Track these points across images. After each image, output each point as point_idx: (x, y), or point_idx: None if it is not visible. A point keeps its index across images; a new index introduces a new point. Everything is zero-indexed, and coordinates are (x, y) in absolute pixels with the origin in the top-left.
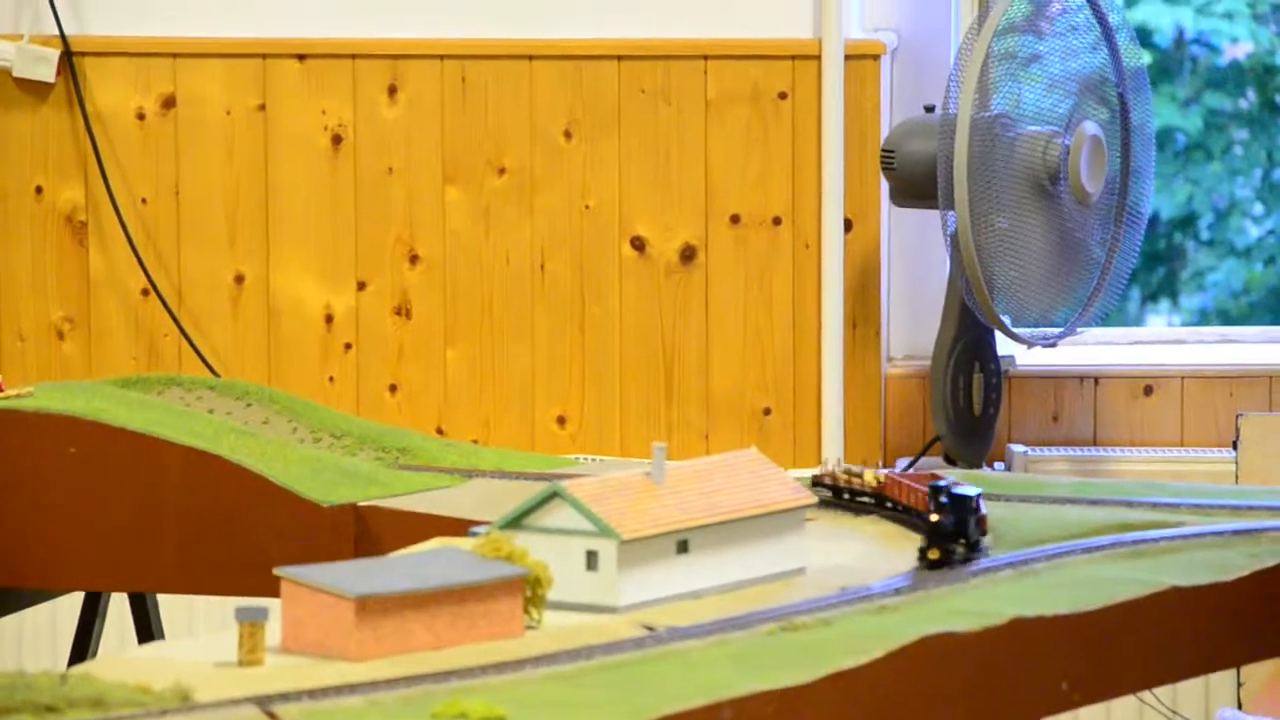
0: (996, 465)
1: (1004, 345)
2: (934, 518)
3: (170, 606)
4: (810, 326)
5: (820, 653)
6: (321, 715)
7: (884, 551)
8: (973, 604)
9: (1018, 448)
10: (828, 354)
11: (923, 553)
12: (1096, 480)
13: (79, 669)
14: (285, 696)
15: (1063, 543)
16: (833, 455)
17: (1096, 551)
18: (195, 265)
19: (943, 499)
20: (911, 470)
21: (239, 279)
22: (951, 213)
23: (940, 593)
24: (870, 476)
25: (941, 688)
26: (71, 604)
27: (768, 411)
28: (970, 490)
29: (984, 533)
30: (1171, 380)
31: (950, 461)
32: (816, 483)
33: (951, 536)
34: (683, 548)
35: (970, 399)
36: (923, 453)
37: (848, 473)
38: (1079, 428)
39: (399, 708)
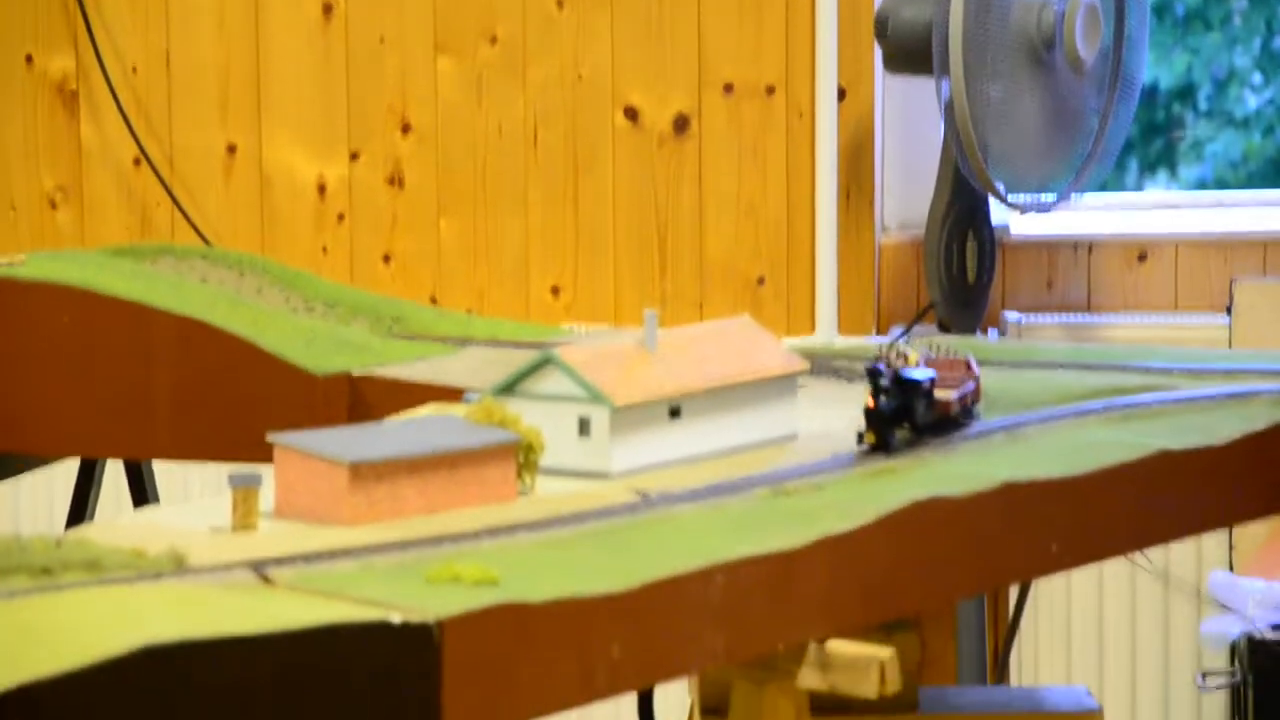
0: (990, 332)
1: (998, 213)
2: (869, 403)
3: (166, 474)
4: (804, 195)
5: (811, 517)
6: (315, 579)
7: None
8: (964, 468)
9: (1011, 315)
10: (821, 223)
11: (859, 435)
12: (1089, 346)
13: (74, 533)
14: (279, 561)
15: (1054, 407)
16: (826, 324)
17: (1088, 415)
18: (187, 135)
19: (883, 382)
20: (904, 339)
21: (231, 149)
22: (946, 80)
23: (932, 457)
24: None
25: (933, 551)
26: (67, 471)
27: (761, 280)
28: (920, 375)
29: (974, 402)
30: (1165, 246)
31: (944, 329)
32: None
33: (890, 421)
34: (675, 414)
35: (964, 266)
36: (916, 320)
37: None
38: (1073, 294)
39: (392, 572)
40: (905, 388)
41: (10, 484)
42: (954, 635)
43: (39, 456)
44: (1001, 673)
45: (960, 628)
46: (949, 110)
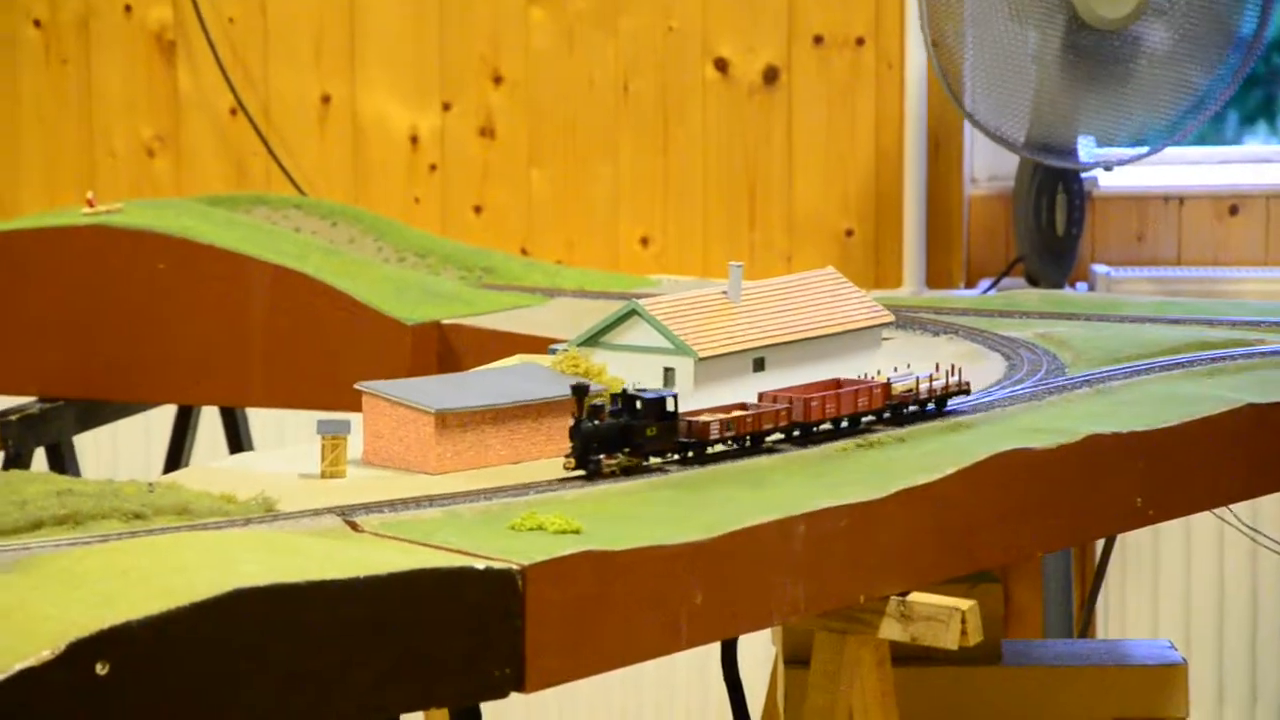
0: (1079, 285)
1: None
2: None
3: (260, 420)
4: (893, 148)
5: (893, 469)
6: (401, 526)
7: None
8: (1048, 421)
9: (1101, 268)
10: (910, 175)
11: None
12: (1177, 299)
13: (167, 478)
14: (366, 507)
15: (1140, 361)
16: (914, 277)
17: (1174, 369)
18: (282, 84)
19: (595, 404)
20: (994, 290)
21: (325, 99)
22: (1033, 32)
23: (1015, 411)
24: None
25: (1014, 504)
26: (164, 417)
27: (850, 233)
28: (653, 393)
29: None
30: (1256, 200)
31: (1032, 282)
32: None
33: (593, 441)
34: (759, 365)
35: (1053, 219)
36: (1004, 273)
37: None
38: (1163, 248)
39: (477, 520)
40: (635, 407)
41: (109, 430)
42: (1040, 589)
43: (136, 403)
44: (1087, 626)
45: (1046, 582)
46: (1037, 62)
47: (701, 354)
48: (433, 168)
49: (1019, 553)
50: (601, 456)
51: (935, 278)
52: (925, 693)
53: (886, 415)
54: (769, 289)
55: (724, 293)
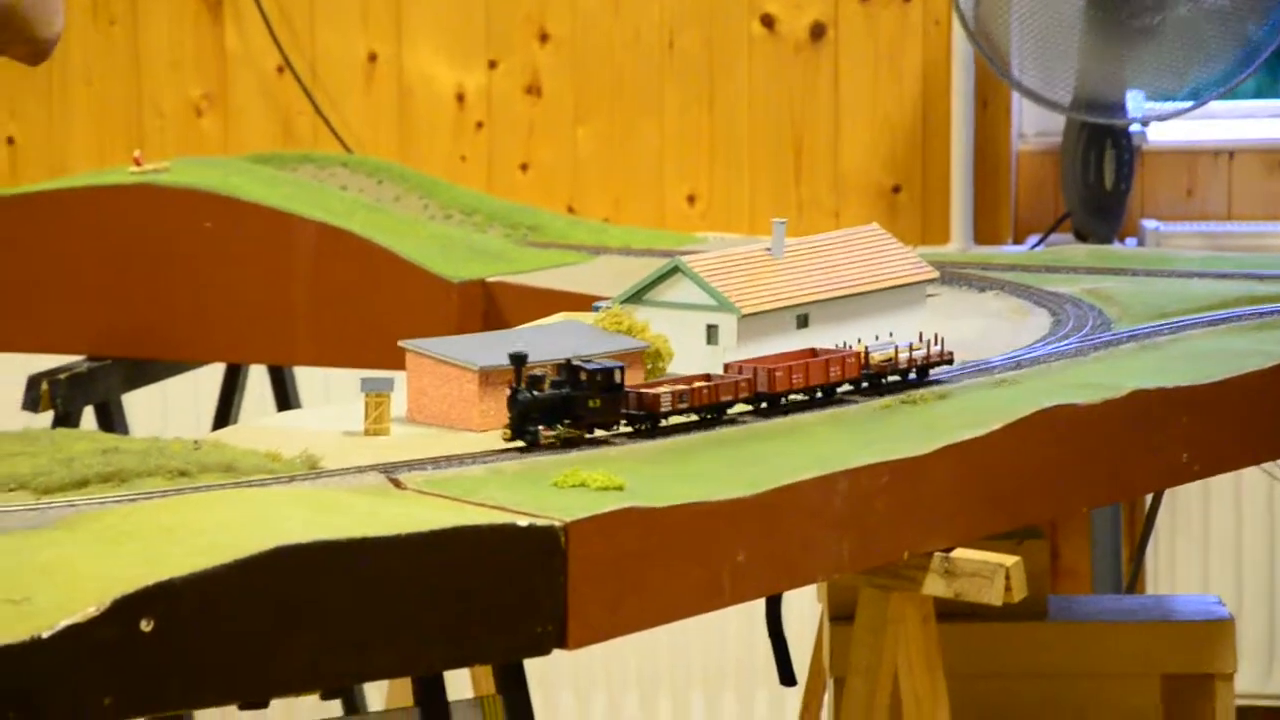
0: (1128, 241)
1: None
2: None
3: (308, 378)
4: (940, 103)
5: (937, 425)
6: (444, 483)
7: (1006, 326)
8: (1093, 377)
9: (1150, 223)
10: (957, 131)
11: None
12: (1226, 254)
13: (212, 436)
14: (409, 465)
15: (1187, 315)
16: (961, 233)
17: (1221, 324)
18: (329, 43)
19: (536, 374)
20: (1042, 246)
21: (372, 57)
22: None
23: (1060, 366)
24: None
25: (1059, 459)
26: (213, 375)
27: (897, 189)
28: (597, 365)
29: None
30: None
31: (1081, 237)
32: None
33: (532, 412)
34: (802, 322)
35: (1101, 174)
36: (1053, 229)
37: None
38: (1213, 203)
39: (520, 477)
40: (579, 379)
41: (158, 388)
42: (1089, 545)
43: (183, 362)
44: (1135, 582)
45: (1095, 537)
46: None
47: (744, 310)
48: (479, 125)
49: (1064, 508)
50: (540, 428)
51: (983, 234)
52: (970, 649)
53: (865, 385)
54: (812, 246)
55: (767, 249)
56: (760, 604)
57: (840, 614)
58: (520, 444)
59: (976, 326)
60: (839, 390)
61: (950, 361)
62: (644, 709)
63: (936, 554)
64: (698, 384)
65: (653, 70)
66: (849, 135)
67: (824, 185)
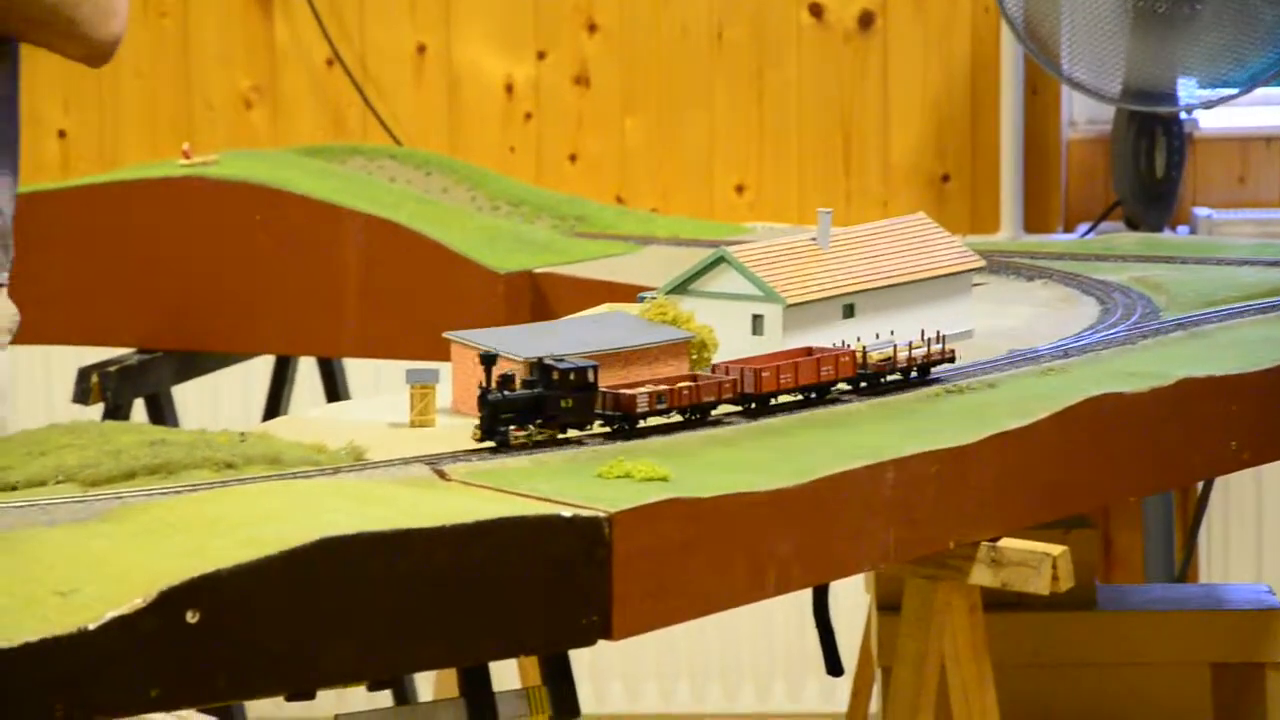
0: (1180, 229)
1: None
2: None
3: (358, 370)
4: (990, 92)
5: (984, 414)
6: (489, 475)
7: (1054, 315)
8: (1141, 365)
9: (1201, 211)
10: (1007, 119)
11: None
12: (1277, 242)
13: (258, 428)
14: (454, 456)
15: (1236, 303)
16: (1011, 222)
17: (1270, 312)
18: (378, 35)
19: (507, 374)
20: (1093, 234)
21: (421, 49)
22: None
23: (1108, 354)
24: None
25: (1107, 448)
26: (264, 366)
27: (946, 178)
28: (569, 364)
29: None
30: None
31: (1132, 226)
32: None
33: (502, 411)
34: (848, 312)
35: (1152, 162)
36: (1103, 217)
37: None
38: (1265, 189)
39: (564, 468)
40: (552, 379)
41: (209, 380)
42: (1141, 533)
43: (232, 354)
44: (1186, 571)
45: (1146, 526)
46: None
47: (790, 300)
48: (528, 116)
49: (1112, 498)
50: (512, 428)
51: (1033, 222)
52: (1018, 638)
53: (863, 385)
54: (858, 235)
55: (813, 239)
56: (809, 594)
57: (888, 604)
58: (490, 444)
59: (1024, 315)
60: (833, 390)
61: (952, 360)
62: (695, 699)
63: (983, 543)
64: (680, 384)
65: (701, 60)
66: (898, 124)
67: (873, 175)
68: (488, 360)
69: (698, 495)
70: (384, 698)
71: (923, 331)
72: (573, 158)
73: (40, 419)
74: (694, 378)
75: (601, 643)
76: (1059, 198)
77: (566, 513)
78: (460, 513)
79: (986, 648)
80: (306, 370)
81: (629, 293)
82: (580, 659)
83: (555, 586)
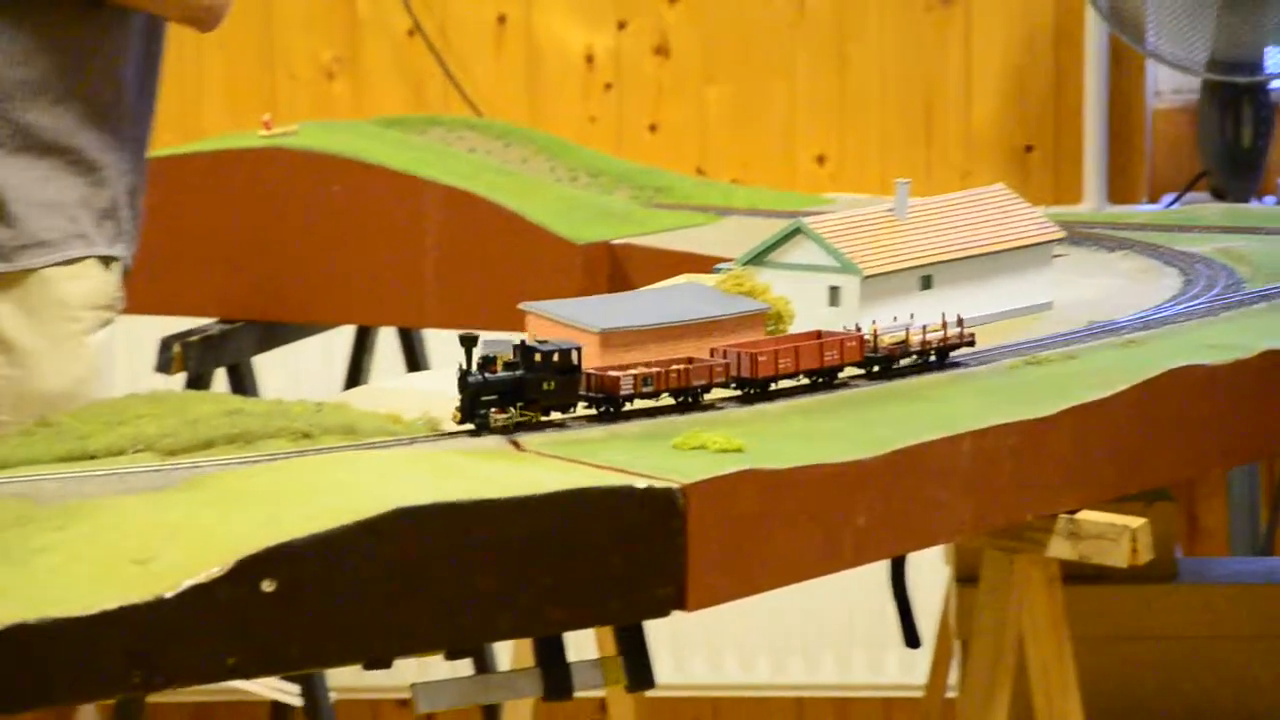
0: (1266, 199)
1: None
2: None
3: (438, 340)
4: (1074, 61)
5: (1064, 386)
6: (564, 445)
7: (1135, 286)
8: (1223, 337)
9: None
10: (1090, 89)
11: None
12: None
13: (334, 399)
14: (529, 426)
15: None
16: (1095, 193)
17: None
18: (459, 5)
19: (488, 355)
20: (1178, 204)
21: (501, 19)
22: None
23: (1190, 326)
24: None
25: (1187, 420)
26: (344, 337)
27: (1029, 149)
28: (550, 346)
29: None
30: None
31: (1217, 196)
32: None
33: (483, 394)
34: (926, 283)
35: (1239, 132)
36: (1188, 188)
37: None
38: None
39: (639, 439)
40: (534, 361)
41: (291, 349)
42: (1226, 506)
43: (312, 324)
44: (1270, 544)
45: (1231, 499)
46: None
47: (867, 271)
48: (608, 87)
49: (1193, 471)
50: (492, 410)
51: (1117, 193)
52: (1098, 611)
53: (875, 369)
54: (937, 206)
55: (890, 210)
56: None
57: (966, 576)
58: (470, 427)
59: (1105, 286)
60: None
61: (972, 343)
62: (775, 671)
63: (1061, 516)
64: (672, 367)
65: (782, 30)
66: (980, 94)
67: (955, 145)
68: (467, 341)
69: (773, 467)
70: (464, 667)
71: (943, 315)
72: (653, 128)
73: (124, 389)
74: (689, 360)
75: (683, 615)
76: (1144, 168)
77: (640, 483)
78: (535, 483)
79: (1065, 621)
80: (387, 341)
81: (706, 264)
82: (660, 631)
83: (629, 557)
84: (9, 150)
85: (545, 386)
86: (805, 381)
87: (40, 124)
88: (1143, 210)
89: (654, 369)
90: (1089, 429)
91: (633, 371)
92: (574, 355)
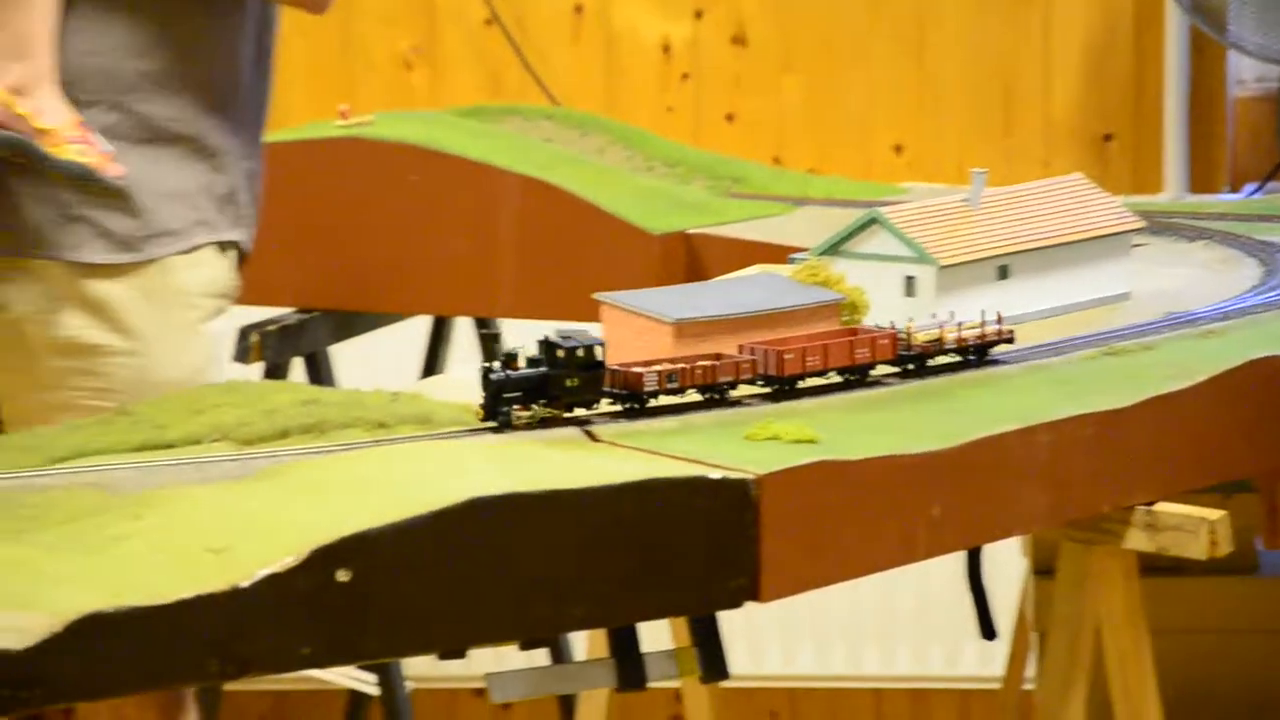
0: None
1: None
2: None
3: (514, 330)
4: (1154, 49)
5: (1141, 377)
6: (637, 436)
7: (1214, 277)
8: None
9: None
10: (1171, 77)
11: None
12: None
13: (409, 389)
14: (604, 416)
15: None
16: (1175, 182)
17: None
18: None
19: (503, 349)
20: (1260, 194)
21: (578, 8)
22: None
23: (1270, 317)
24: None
25: (1267, 411)
26: (421, 326)
27: (1108, 138)
28: (574, 341)
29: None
30: None
31: None
32: None
33: (506, 391)
34: (1003, 273)
35: None
36: (1270, 177)
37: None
38: None
39: (713, 430)
40: (558, 357)
41: (369, 339)
42: None
43: (388, 314)
44: None
45: None
46: None
47: (943, 262)
48: (685, 76)
49: (1273, 461)
50: (515, 407)
51: (1198, 182)
52: (1177, 603)
53: (910, 367)
54: (1013, 196)
55: (966, 200)
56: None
57: (1043, 568)
58: (493, 424)
59: (1184, 276)
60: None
61: (1011, 340)
62: (850, 663)
63: (1139, 508)
64: (698, 363)
65: (860, 18)
66: (1059, 83)
67: (1033, 134)
68: (490, 340)
69: (847, 458)
70: (539, 657)
71: (983, 312)
72: (730, 118)
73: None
74: (719, 356)
75: (758, 606)
76: (1225, 157)
77: (714, 474)
78: (608, 474)
79: (1143, 613)
80: (464, 331)
81: (782, 254)
82: (736, 622)
83: (703, 548)
84: (133, 142)
85: (568, 383)
86: (837, 379)
87: (162, 114)
88: (1223, 200)
89: (679, 365)
90: (1167, 420)
91: (656, 368)
92: (597, 351)
